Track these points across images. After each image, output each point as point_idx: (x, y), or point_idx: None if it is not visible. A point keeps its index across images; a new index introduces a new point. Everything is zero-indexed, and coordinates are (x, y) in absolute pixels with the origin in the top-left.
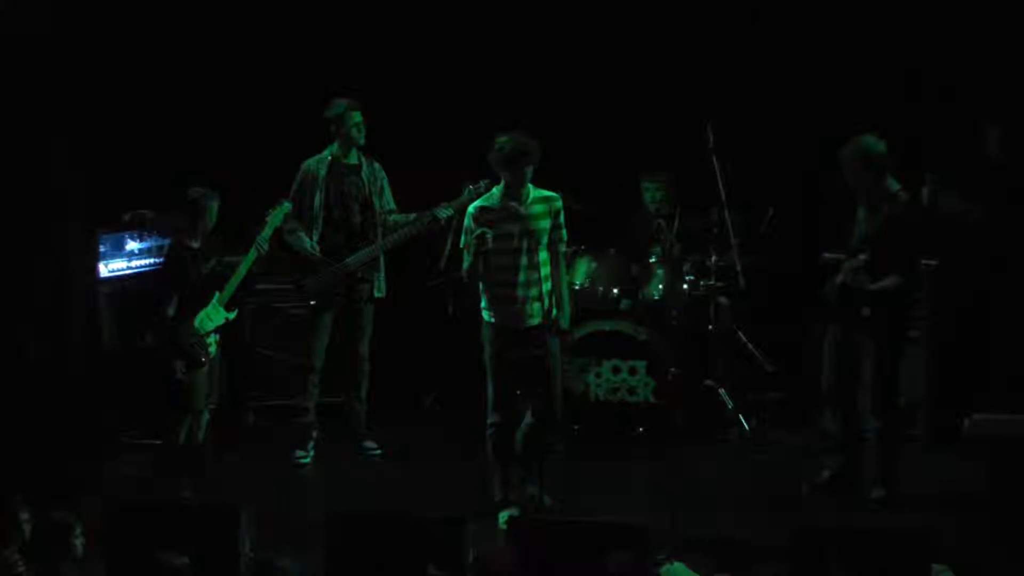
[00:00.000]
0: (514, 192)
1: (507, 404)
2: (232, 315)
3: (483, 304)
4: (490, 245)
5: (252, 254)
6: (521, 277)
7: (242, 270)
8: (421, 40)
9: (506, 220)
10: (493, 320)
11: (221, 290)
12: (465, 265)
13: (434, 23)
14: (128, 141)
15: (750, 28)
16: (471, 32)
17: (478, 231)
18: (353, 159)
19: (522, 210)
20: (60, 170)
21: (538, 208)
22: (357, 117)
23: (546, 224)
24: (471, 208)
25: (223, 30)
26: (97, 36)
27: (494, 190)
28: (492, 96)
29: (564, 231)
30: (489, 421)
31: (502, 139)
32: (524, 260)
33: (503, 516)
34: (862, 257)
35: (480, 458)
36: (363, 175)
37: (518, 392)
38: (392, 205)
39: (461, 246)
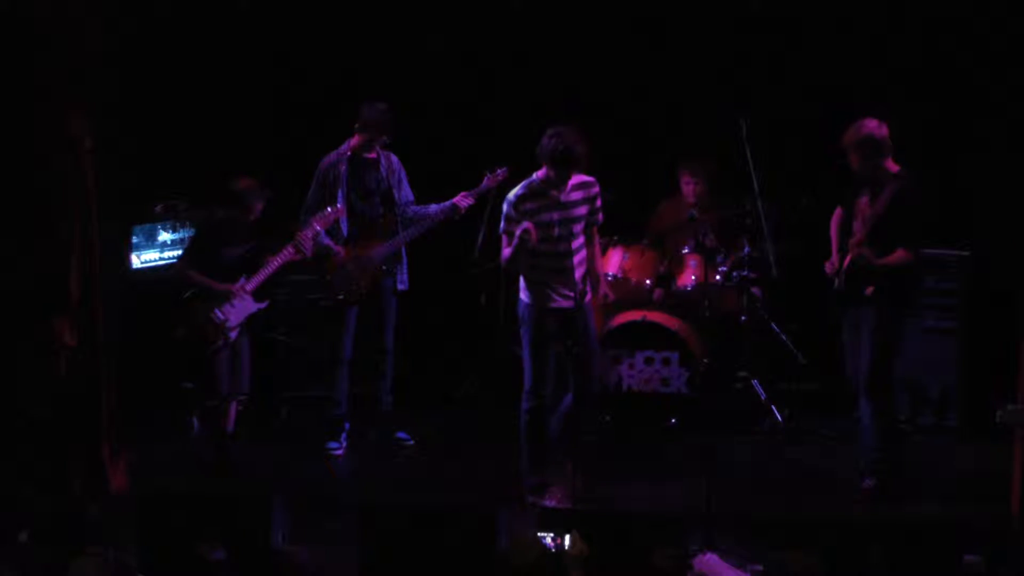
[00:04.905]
0: (555, 183)
1: (544, 386)
2: (262, 306)
3: (522, 286)
4: (533, 244)
5: (290, 252)
6: (561, 263)
7: (275, 264)
8: (450, 32)
9: (546, 209)
10: (534, 303)
11: (248, 276)
12: (504, 253)
13: (463, 13)
14: (161, 131)
15: (784, 17)
16: (498, 19)
17: (522, 229)
18: (371, 154)
19: (561, 199)
20: (93, 160)
21: (576, 195)
22: (392, 126)
23: (583, 210)
24: (511, 196)
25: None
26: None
27: (533, 176)
28: (520, 85)
29: (600, 214)
30: (525, 406)
31: (555, 138)
32: (563, 246)
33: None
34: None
35: (514, 444)
36: (382, 169)
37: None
38: (411, 197)
39: (500, 231)
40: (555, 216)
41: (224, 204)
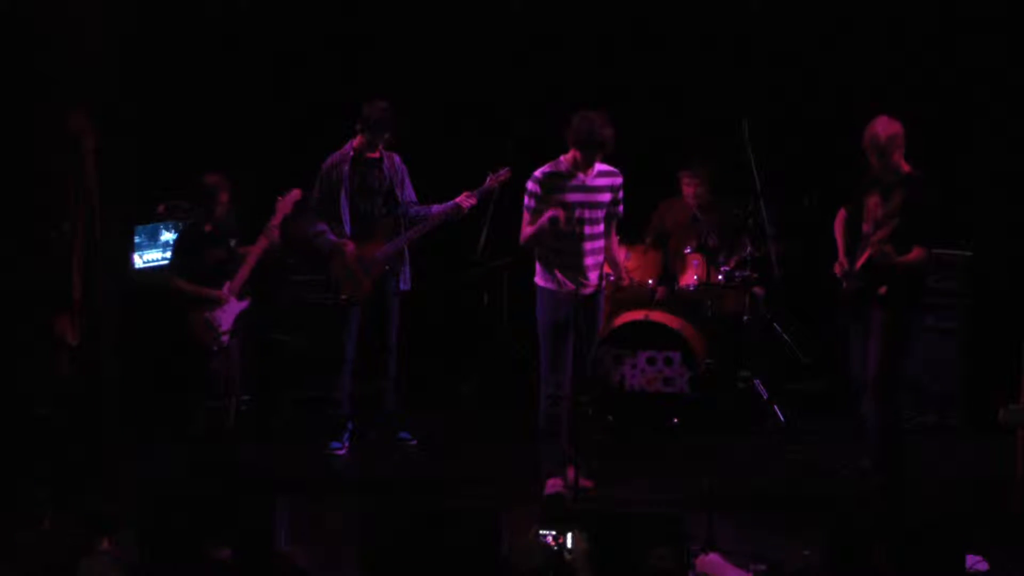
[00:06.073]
0: (582, 166)
1: (560, 372)
2: (246, 303)
3: (537, 269)
4: (563, 227)
5: (263, 242)
6: (579, 247)
7: (252, 258)
8: (452, 31)
9: (571, 190)
10: (550, 287)
11: (232, 278)
12: (525, 231)
13: (465, 14)
14: (163, 131)
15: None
16: (499, 19)
17: (552, 213)
18: (374, 153)
19: (587, 182)
20: (94, 160)
21: (601, 181)
22: (393, 125)
23: (606, 197)
24: (537, 173)
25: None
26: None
27: (560, 158)
28: (522, 86)
29: (621, 206)
30: (544, 393)
31: (584, 121)
32: (583, 230)
33: (552, 487)
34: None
35: (515, 444)
36: (384, 168)
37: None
38: (414, 197)
39: (524, 208)
40: (578, 198)
41: (199, 203)
